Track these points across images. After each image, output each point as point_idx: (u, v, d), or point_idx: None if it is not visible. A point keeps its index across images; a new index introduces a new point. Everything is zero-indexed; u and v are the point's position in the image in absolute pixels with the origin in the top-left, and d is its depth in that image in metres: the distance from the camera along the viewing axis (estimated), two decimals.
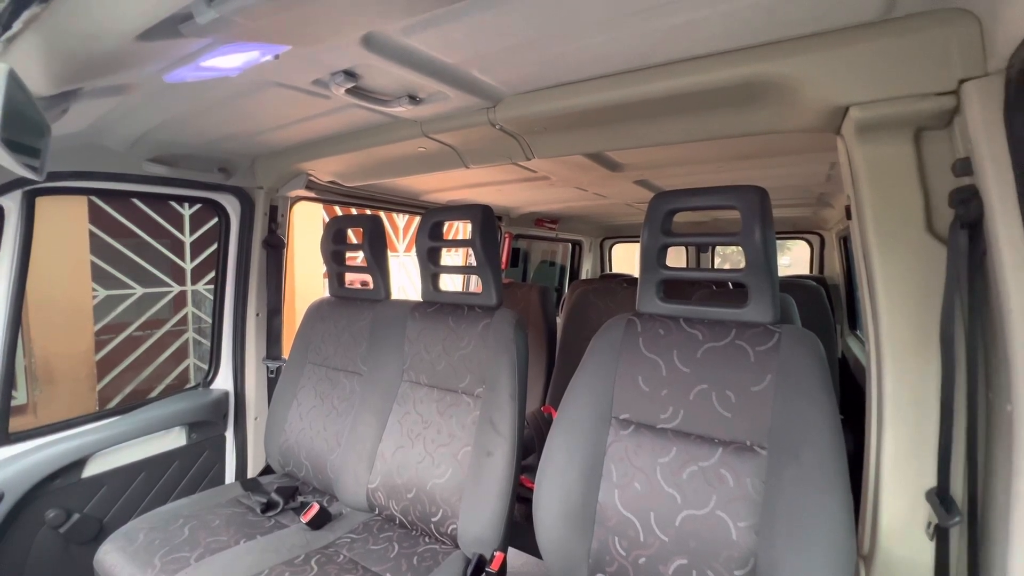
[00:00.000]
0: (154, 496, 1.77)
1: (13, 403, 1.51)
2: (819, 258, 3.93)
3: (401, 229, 6.85)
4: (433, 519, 1.40)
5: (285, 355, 2.04)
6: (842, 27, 0.88)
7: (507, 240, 3.66)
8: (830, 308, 2.73)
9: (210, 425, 1.95)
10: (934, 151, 0.92)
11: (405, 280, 6.80)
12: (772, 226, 1.08)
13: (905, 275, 0.92)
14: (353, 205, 2.58)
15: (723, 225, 3.73)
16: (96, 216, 3.87)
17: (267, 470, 2.07)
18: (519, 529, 1.52)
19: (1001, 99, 0.74)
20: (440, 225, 1.61)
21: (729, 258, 7.92)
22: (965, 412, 0.85)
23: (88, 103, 1.15)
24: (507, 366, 1.40)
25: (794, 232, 4.02)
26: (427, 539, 1.42)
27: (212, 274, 2.18)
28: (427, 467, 1.44)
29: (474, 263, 1.53)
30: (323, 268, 1.96)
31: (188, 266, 4.51)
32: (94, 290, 3.89)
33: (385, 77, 1.12)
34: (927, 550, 0.90)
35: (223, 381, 2.05)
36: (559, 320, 2.96)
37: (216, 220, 2.00)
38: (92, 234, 3.85)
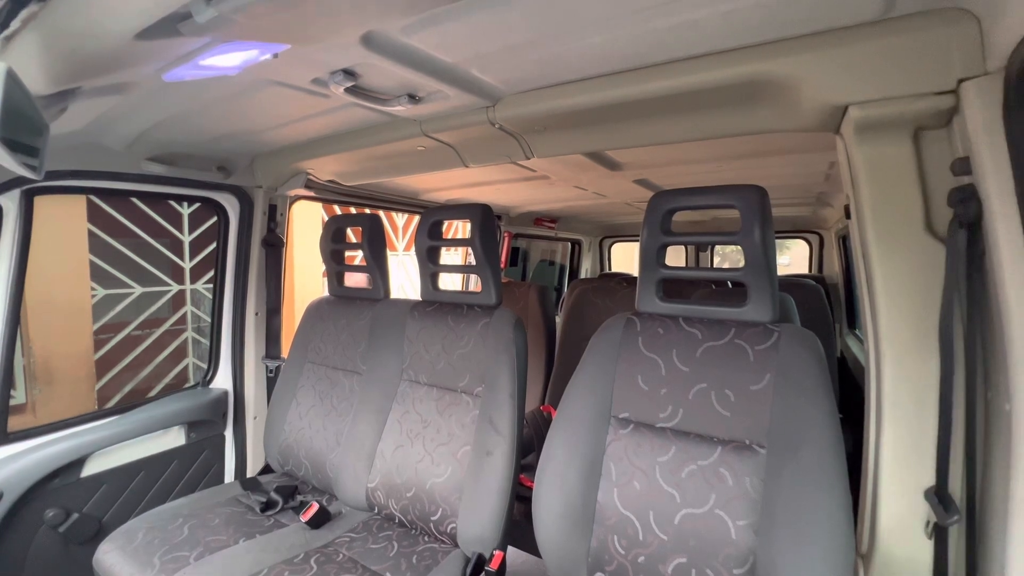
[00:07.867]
0: (153, 495, 1.76)
1: (12, 402, 1.51)
2: (818, 257, 3.93)
3: (400, 228, 6.85)
4: (432, 518, 1.40)
5: (284, 354, 2.04)
6: (841, 27, 0.88)
7: (506, 239, 3.66)
8: (829, 307, 2.74)
9: (209, 424, 1.94)
10: (933, 151, 0.92)
11: (404, 279, 6.80)
12: (771, 225, 1.08)
13: (904, 274, 0.92)
14: (352, 204, 2.57)
15: (722, 224, 3.73)
16: (95, 215, 3.86)
17: (266, 469, 2.07)
18: (518, 528, 1.52)
19: (1000, 98, 0.74)
20: (439, 224, 1.61)
21: (728, 257, 7.93)
22: (964, 411, 0.85)
23: (87, 102, 1.15)
24: (506, 365, 1.40)
25: (793, 231, 4.02)
26: (426, 538, 1.42)
27: (211, 273, 2.18)
28: (426, 466, 1.44)
29: (473, 262, 1.53)
30: (322, 267, 1.96)
31: (187, 265, 4.50)
32: (93, 289, 3.88)
33: (384, 76, 1.12)
34: (926, 549, 0.90)
35: (222, 380, 2.04)
36: (558, 319, 2.96)
37: (215, 219, 1.99)
38: (91, 233, 3.84)
